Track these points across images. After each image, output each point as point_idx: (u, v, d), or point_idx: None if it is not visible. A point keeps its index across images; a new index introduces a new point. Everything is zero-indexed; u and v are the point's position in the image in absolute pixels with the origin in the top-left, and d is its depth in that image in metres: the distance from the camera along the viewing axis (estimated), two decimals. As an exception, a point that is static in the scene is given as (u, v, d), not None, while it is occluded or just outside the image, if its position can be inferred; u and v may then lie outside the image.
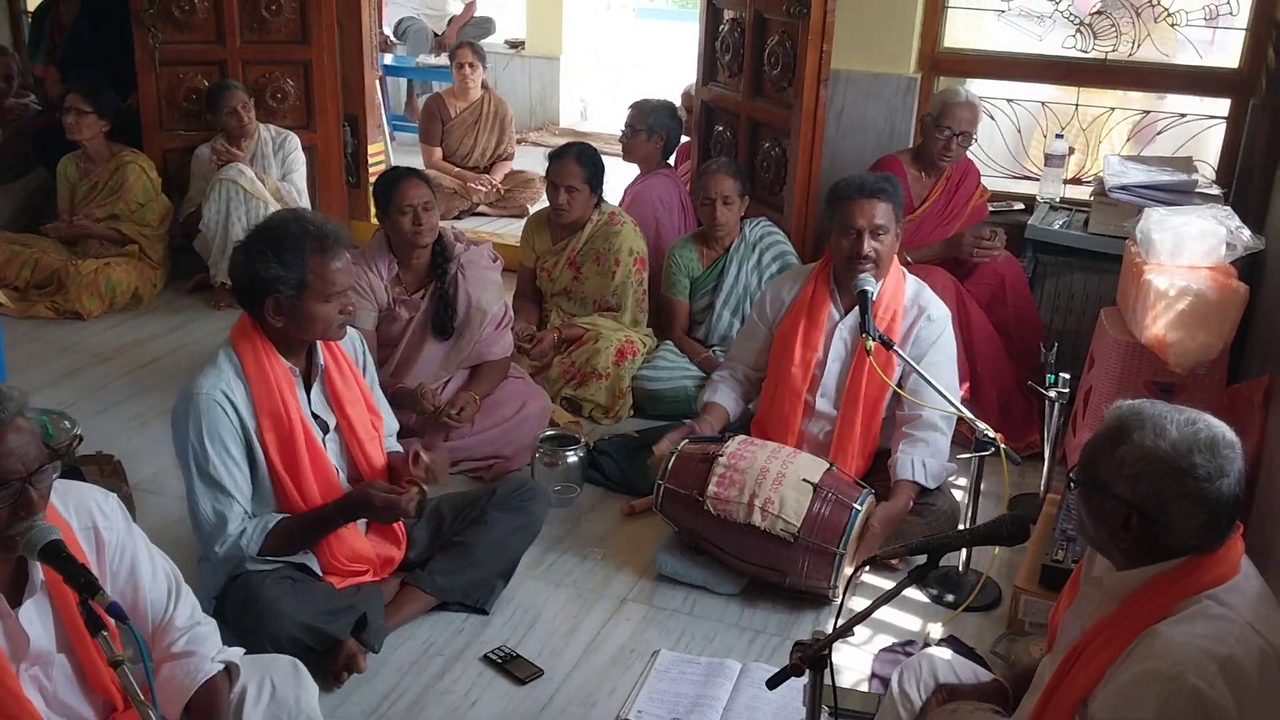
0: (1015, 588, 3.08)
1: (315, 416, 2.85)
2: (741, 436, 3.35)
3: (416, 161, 6.51)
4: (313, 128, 5.79)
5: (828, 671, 2.24)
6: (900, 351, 3.25)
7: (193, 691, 2.16)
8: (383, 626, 2.88)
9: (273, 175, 5.45)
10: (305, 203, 5.55)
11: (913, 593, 3.26)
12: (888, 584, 3.25)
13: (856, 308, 3.39)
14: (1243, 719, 1.72)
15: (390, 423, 3.14)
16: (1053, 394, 3.46)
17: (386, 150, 6.34)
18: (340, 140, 5.89)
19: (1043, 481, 3.65)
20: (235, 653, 2.28)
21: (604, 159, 4.51)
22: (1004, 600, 3.21)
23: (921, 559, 2.13)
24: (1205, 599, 1.82)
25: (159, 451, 3.93)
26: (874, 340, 3.19)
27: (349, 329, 3.03)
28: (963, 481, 3.57)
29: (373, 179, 6.01)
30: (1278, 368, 3.47)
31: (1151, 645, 1.79)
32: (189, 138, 5.60)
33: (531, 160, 7.55)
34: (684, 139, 5.45)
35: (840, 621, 2.20)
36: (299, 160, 5.55)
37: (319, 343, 2.84)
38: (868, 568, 3.22)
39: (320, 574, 2.85)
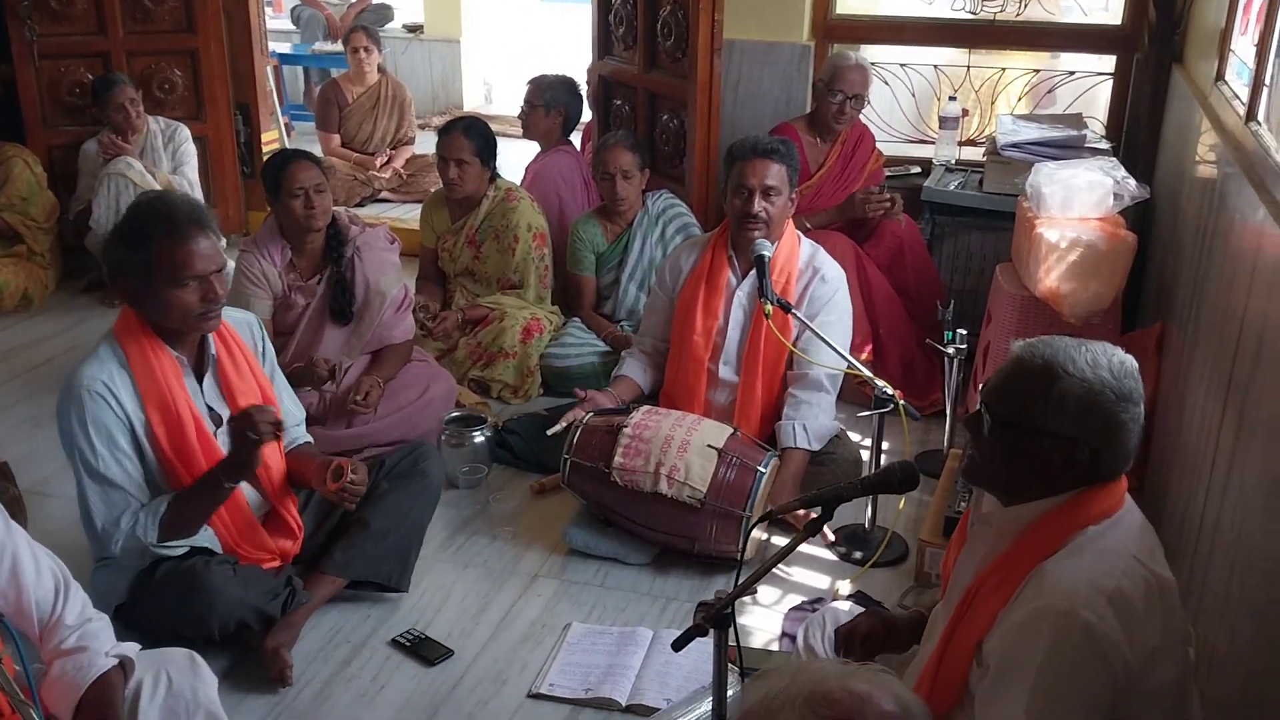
0: (920, 540, 3.12)
1: (210, 410, 2.77)
2: (646, 407, 3.34)
3: (315, 150, 6.39)
4: (203, 118, 5.66)
5: (733, 631, 2.26)
6: (797, 313, 3.26)
7: (85, 687, 2.09)
8: (305, 594, 2.84)
9: (163, 169, 5.31)
10: (198, 194, 5.40)
11: (821, 551, 3.30)
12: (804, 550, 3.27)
13: (754, 271, 3.41)
14: (1131, 646, 1.75)
15: (296, 411, 3.06)
16: (951, 350, 3.51)
17: (282, 139, 6.23)
18: (232, 130, 5.77)
19: (945, 437, 3.70)
20: (130, 647, 2.21)
21: (508, 140, 4.46)
22: (911, 555, 3.25)
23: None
24: (1091, 532, 1.84)
25: (53, 454, 3.78)
26: (772, 304, 3.20)
27: (250, 315, 2.94)
28: (868, 442, 3.60)
29: (268, 168, 5.93)
30: (1169, 314, 3.56)
31: (1041, 583, 1.80)
32: (74, 133, 5.43)
33: (433, 144, 7.43)
34: (589, 118, 5.41)
35: (741, 580, 2.22)
36: (190, 152, 5.41)
37: (210, 334, 2.76)
38: (766, 523, 3.25)
39: (222, 552, 2.78)
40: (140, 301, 2.62)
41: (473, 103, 9.34)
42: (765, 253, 3.29)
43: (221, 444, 2.75)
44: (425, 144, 7.36)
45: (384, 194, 6.87)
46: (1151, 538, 1.92)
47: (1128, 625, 1.76)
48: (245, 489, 2.81)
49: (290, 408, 3.03)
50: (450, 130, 4.34)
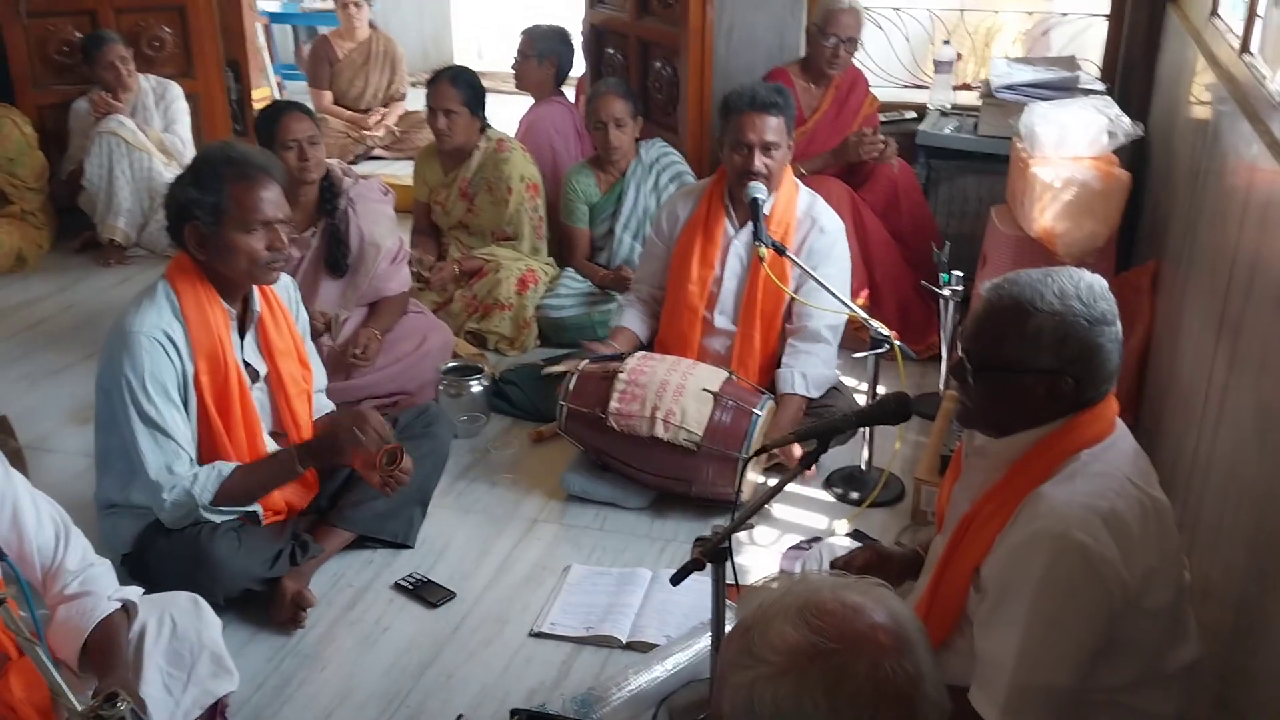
0: (916, 479, 3.14)
1: (247, 365, 2.77)
2: (641, 353, 3.35)
3: (307, 107, 6.35)
4: (193, 75, 5.61)
5: (731, 567, 2.28)
6: (793, 257, 3.26)
7: (89, 631, 2.11)
8: (317, 547, 2.86)
9: (155, 127, 5.28)
10: (191, 153, 5.37)
11: (818, 492, 3.32)
12: (795, 490, 3.30)
13: (750, 222, 3.40)
14: (1127, 567, 1.77)
15: (320, 378, 3.07)
16: (947, 292, 3.52)
17: (274, 95, 6.18)
18: (223, 87, 5.71)
19: (941, 380, 3.72)
20: (133, 591, 2.23)
21: (501, 97, 4.42)
22: (907, 495, 3.27)
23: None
24: (1085, 457, 1.86)
25: (50, 410, 3.83)
26: (768, 248, 3.20)
27: (286, 275, 2.94)
28: (864, 386, 3.61)
29: (260, 124, 5.89)
30: (1163, 252, 3.56)
31: (1036, 506, 1.82)
32: (64, 92, 5.38)
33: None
34: (583, 71, 5.37)
35: (737, 516, 2.24)
36: (182, 110, 5.38)
37: (255, 289, 2.75)
38: (763, 467, 3.26)
39: (262, 520, 2.79)
40: (206, 246, 2.61)
41: (464, 59, 9.26)
42: (759, 195, 3.28)
43: (258, 401, 2.76)
44: (417, 101, 7.32)
45: (377, 151, 6.84)
46: (1145, 462, 1.93)
47: (1123, 546, 1.78)
48: (271, 445, 2.82)
49: (318, 371, 3.05)
50: (437, 80, 4.31)
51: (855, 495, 3.27)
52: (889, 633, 1.17)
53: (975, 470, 2.03)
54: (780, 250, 3.22)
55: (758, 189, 3.29)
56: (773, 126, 3.32)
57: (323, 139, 3.71)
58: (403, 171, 6.46)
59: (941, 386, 3.69)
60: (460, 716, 2.16)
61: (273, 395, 2.84)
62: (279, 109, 3.67)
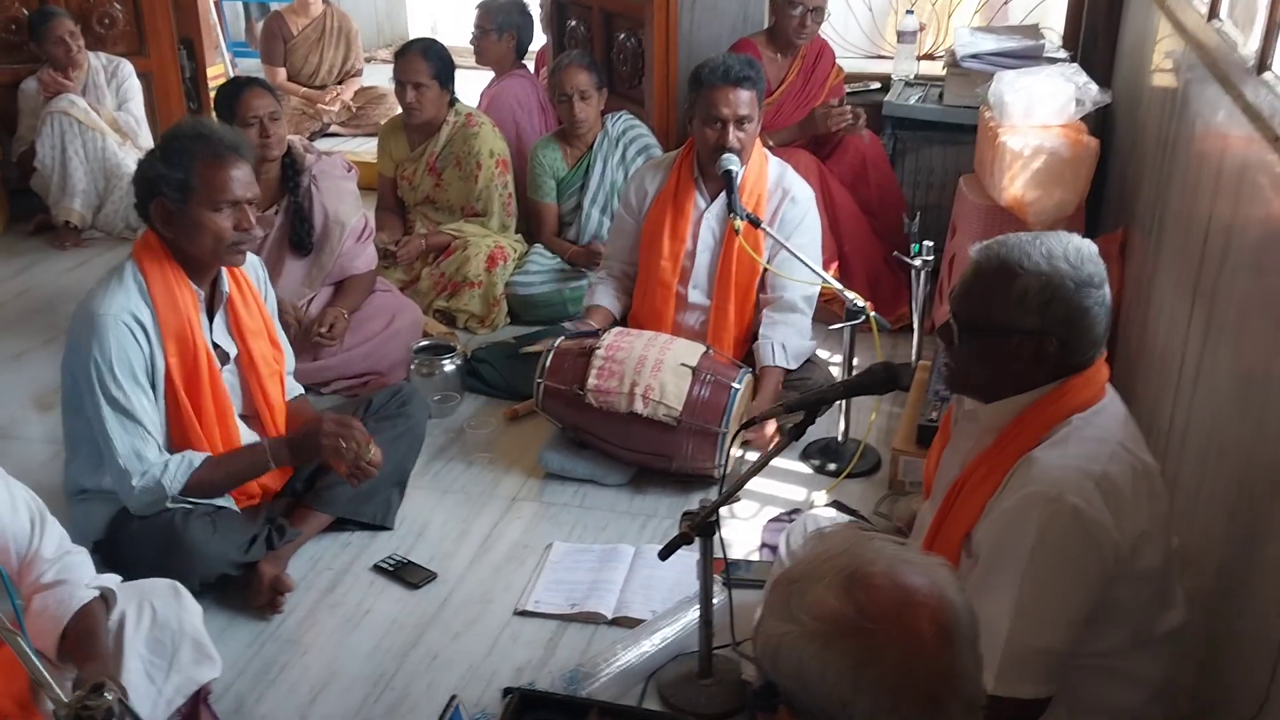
0: (894, 449, 3.15)
1: (217, 347, 2.72)
2: (618, 329, 3.33)
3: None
4: (146, 53, 5.47)
5: (719, 540, 2.28)
6: (768, 229, 3.25)
7: (67, 620, 2.07)
8: (295, 530, 2.82)
9: (108, 106, 5.17)
10: (145, 132, 5.28)
11: (796, 465, 3.32)
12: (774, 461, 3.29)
13: (722, 194, 3.39)
14: (1120, 530, 1.78)
15: (290, 360, 3.02)
16: (918, 263, 3.51)
17: (228, 73, 6.07)
18: (176, 65, 5.57)
19: (914, 350, 3.72)
20: (111, 579, 2.19)
21: (461, 70, 4.36)
22: (884, 465, 3.28)
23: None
24: (1076, 421, 1.86)
25: (11, 397, 3.76)
26: (742, 220, 3.18)
27: (254, 255, 2.89)
28: (838, 358, 3.61)
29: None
30: (1132, 219, 3.59)
31: (1029, 471, 1.83)
32: (12, 71, 5.24)
33: (382, 78, 7.28)
34: (543, 43, 5.32)
35: (724, 490, 2.23)
36: (134, 89, 5.27)
37: (224, 269, 2.70)
38: (742, 441, 3.26)
39: (235, 509, 2.75)
40: (173, 224, 2.56)
41: (418, 33, 9.14)
42: (733, 167, 3.26)
43: (228, 383, 2.71)
44: (373, 76, 7.24)
45: (334, 128, 6.76)
46: (1134, 427, 1.95)
47: (1116, 509, 1.79)
48: (243, 429, 2.78)
49: (288, 352, 3.00)
50: (407, 52, 4.24)
51: (833, 466, 3.27)
52: (935, 622, 1.13)
53: (965, 435, 2.04)
54: (755, 222, 3.21)
55: (731, 160, 3.27)
56: (745, 100, 3.29)
57: (284, 115, 3.64)
58: (360, 148, 6.39)
59: (914, 357, 3.70)
60: (454, 697, 2.14)
61: (243, 377, 2.79)
62: (239, 85, 3.60)
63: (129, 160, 5.07)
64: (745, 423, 2.33)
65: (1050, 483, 1.79)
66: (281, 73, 6.71)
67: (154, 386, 2.60)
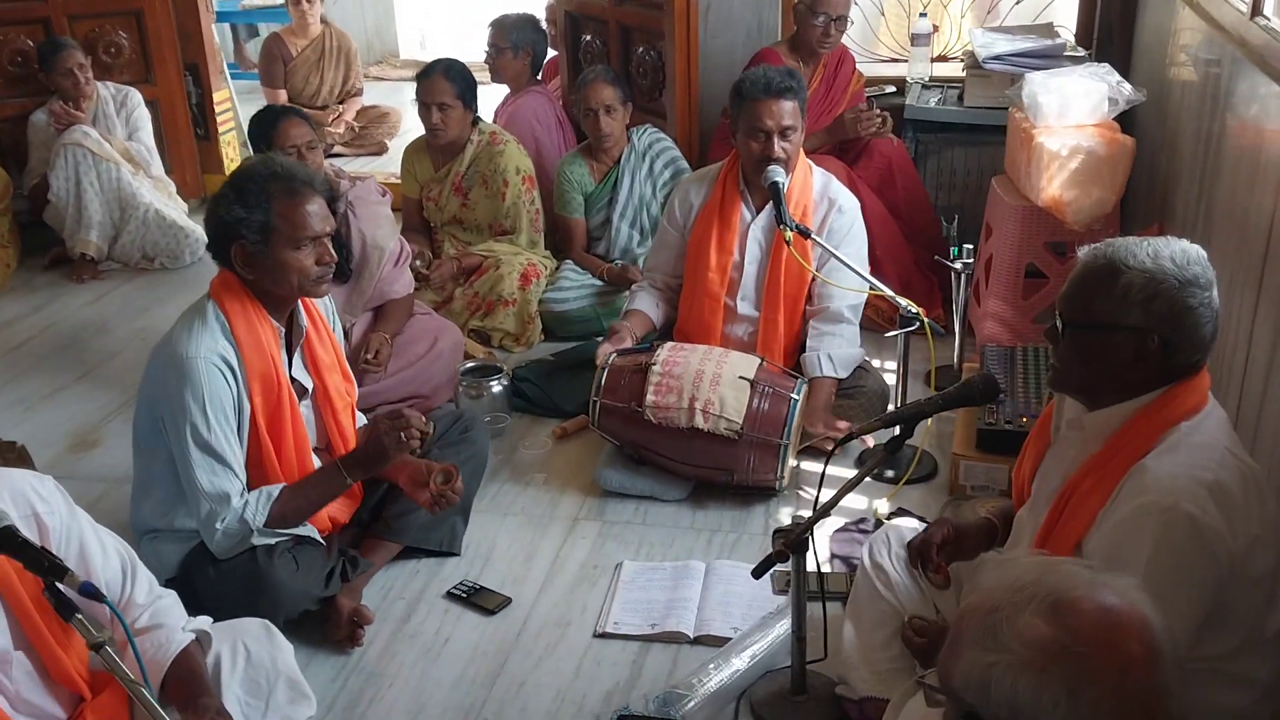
0: (954, 454, 3.16)
1: (294, 381, 2.70)
2: (670, 343, 3.33)
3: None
4: (153, 80, 5.46)
5: (813, 555, 2.28)
6: (818, 238, 3.27)
7: (168, 664, 2.06)
8: (367, 562, 2.82)
9: (118, 135, 5.14)
10: (156, 160, 5.25)
11: (852, 474, 3.30)
12: (831, 472, 3.29)
13: (768, 206, 3.40)
14: (1233, 536, 1.79)
15: (354, 388, 3.00)
16: (959, 265, 3.54)
17: (233, 98, 6.03)
18: (183, 91, 5.57)
19: (955, 352, 3.74)
20: (204, 621, 2.18)
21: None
22: (941, 470, 3.29)
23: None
24: (1184, 428, 1.88)
25: (52, 436, 3.72)
26: (792, 230, 3.19)
27: None
28: (891, 365, 3.62)
29: (222, 128, 5.75)
30: (1165, 214, 3.62)
31: (1142, 480, 1.84)
32: (21, 105, 5.22)
33: (378, 95, 7.31)
34: (551, 54, 5.31)
35: (821, 506, 2.24)
36: (144, 117, 5.24)
37: (301, 303, 2.68)
38: (798, 451, 3.26)
39: (322, 541, 2.74)
40: (255, 265, 2.54)
41: (408, 50, 9.16)
42: (779, 179, 3.27)
43: (305, 418, 2.69)
44: (373, 95, 7.22)
45: (337, 148, 6.73)
46: (1233, 431, 1.96)
47: (1229, 515, 1.80)
48: (317, 463, 2.76)
49: (354, 382, 2.98)
50: (430, 73, 4.23)
51: (890, 474, 3.28)
52: (1143, 643, 1.15)
53: (1069, 443, 2.04)
54: (805, 233, 3.22)
55: (777, 172, 3.28)
56: (788, 111, 3.31)
57: (320, 143, 3.63)
58: (366, 169, 6.36)
59: (955, 360, 3.72)
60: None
61: (319, 411, 2.77)
62: (275, 114, 3.58)
63: (143, 190, 5.04)
64: (847, 436, 2.34)
65: (1164, 491, 1.80)
66: (282, 95, 6.68)
67: (239, 426, 2.58)
